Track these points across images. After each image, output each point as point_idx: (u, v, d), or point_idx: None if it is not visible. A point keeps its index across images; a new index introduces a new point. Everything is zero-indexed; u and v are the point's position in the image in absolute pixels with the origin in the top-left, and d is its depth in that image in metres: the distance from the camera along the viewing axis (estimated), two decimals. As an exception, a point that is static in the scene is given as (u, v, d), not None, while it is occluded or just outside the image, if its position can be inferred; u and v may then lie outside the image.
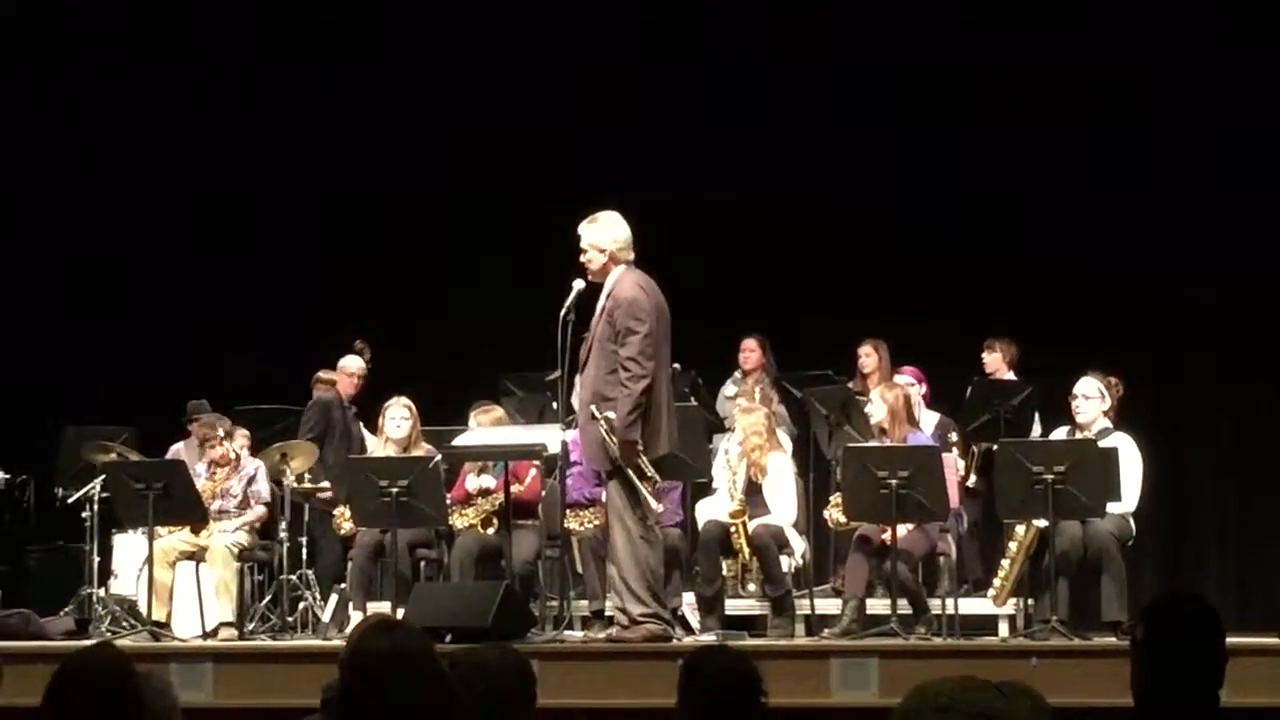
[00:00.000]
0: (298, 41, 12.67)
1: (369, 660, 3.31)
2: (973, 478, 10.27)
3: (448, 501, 9.52)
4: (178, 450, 10.82)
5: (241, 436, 10.46)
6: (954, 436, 10.31)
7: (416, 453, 9.69)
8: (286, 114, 12.59)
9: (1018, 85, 12.05)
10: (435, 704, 3.31)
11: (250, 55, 12.60)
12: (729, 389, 11.17)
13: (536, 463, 9.54)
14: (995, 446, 9.33)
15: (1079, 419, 9.34)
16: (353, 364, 11.27)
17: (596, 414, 8.12)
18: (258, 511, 10.01)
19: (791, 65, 12.34)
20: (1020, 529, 9.13)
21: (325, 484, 10.57)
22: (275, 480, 10.24)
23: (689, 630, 9.22)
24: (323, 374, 11.33)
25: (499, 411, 10.09)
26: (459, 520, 9.70)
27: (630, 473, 8.14)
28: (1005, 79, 12.09)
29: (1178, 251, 12.01)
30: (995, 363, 11.10)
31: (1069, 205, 12.05)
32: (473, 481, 9.80)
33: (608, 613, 8.92)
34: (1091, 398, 9.31)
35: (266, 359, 11.80)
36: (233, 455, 10.08)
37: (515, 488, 9.53)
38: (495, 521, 9.65)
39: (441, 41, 12.69)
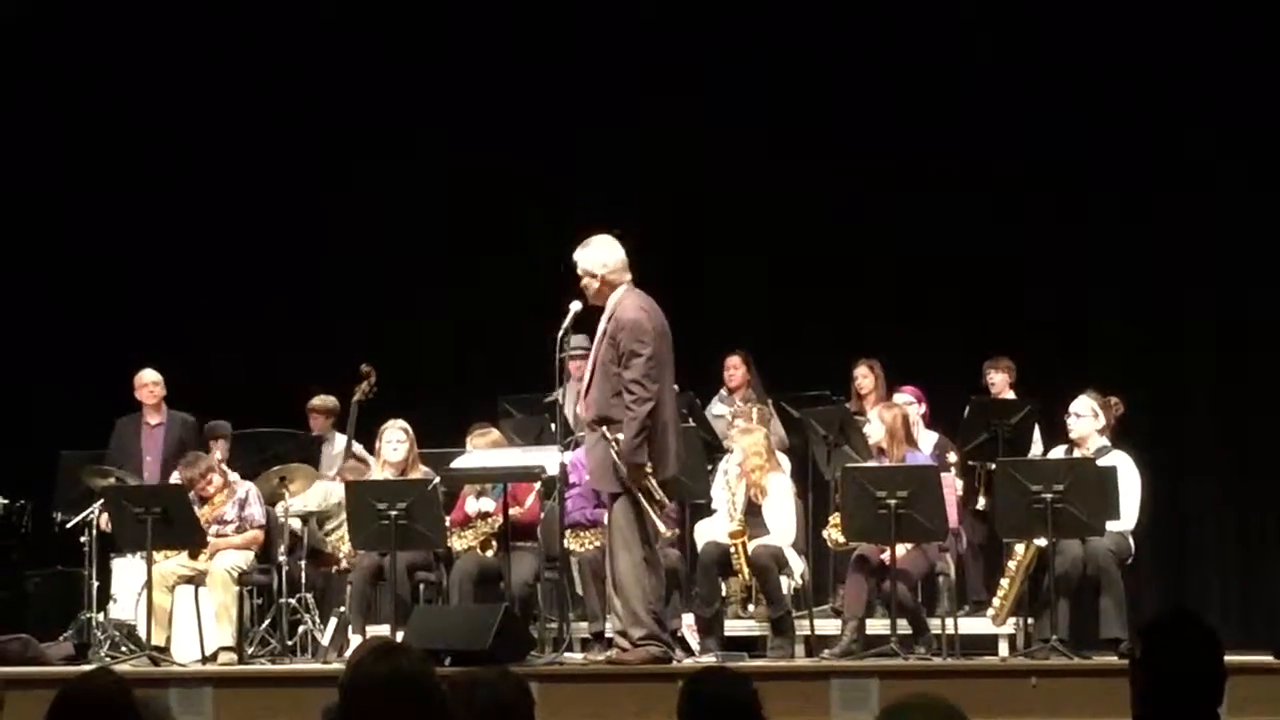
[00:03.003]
0: (298, 41, 12.66)
1: (369, 684, 3.30)
2: (981, 501, 10.28)
3: (446, 524, 9.52)
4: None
5: (218, 449, 10.49)
6: (952, 456, 10.31)
7: (414, 475, 9.68)
8: (287, 115, 12.59)
9: (1017, 86, 12.06)
10: None
11: (250, 56, 12.59)
12: (716, 407, 11.17)
13: (536, 485, 9.53)
14: (991, 465, 9.35)
15: (1071, 435, 9.37)
16: (142, 377, 11.20)
17: (608, 435, 8.12)
18: (252, 535, 9.99)
19: (789, 64, 12.37)
20: (1019, 548, 9.14)
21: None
22: (272, 504, 10.23)
23: (689, 652, 9.22)
24: (314, 402, 11.33)
25: (496, 434, 10.08)
26: (458, 543, 9.69)
27: (639, 495, 8.14)
28: (1002, 78, 12.12)
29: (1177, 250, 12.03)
30: (1001, 384, 11.09)
31: (1067, 214, 12.05)
32: (472, 504, 9.79)
33: (607, 634, 8.91)
34: (1084, 415, 9.32)
35: (266, 378, 11.78)
36: (228, 481, 10.07)
37: (515, 510, 9.52)
38: (494, 544, 9.64)
39: (442, 41, 12.70)
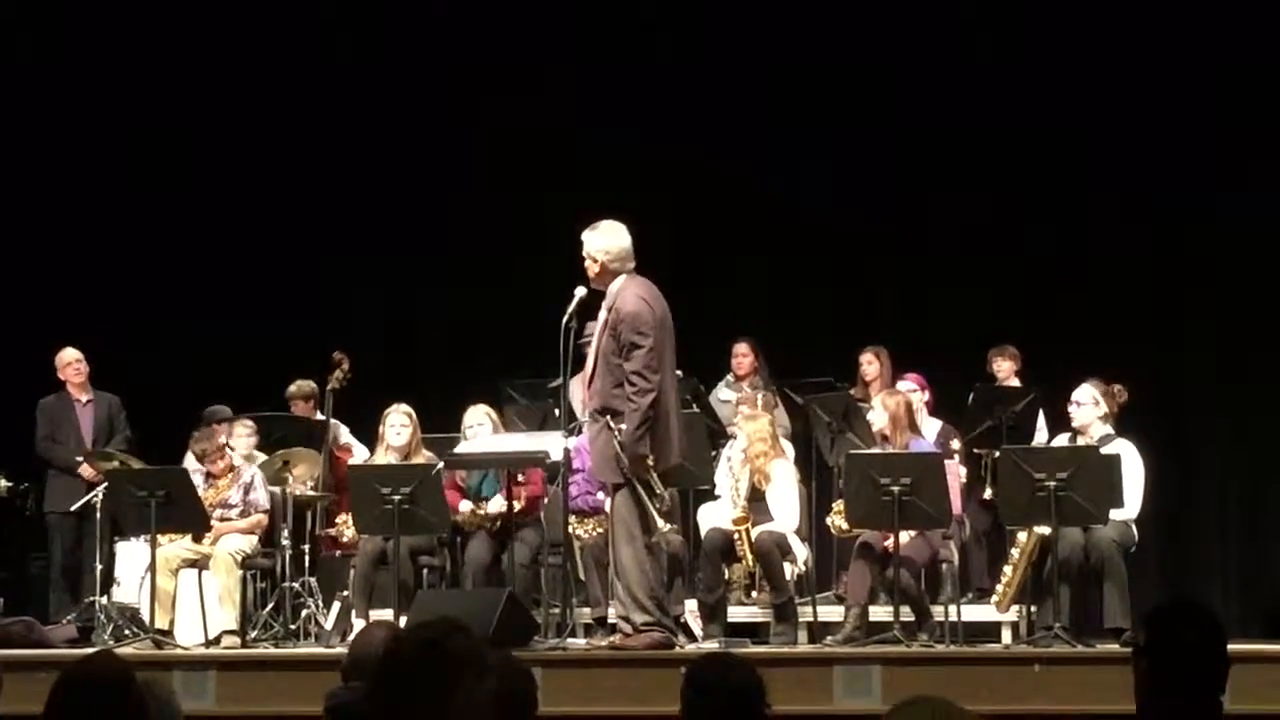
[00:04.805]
0: (298, 41, 12.66)
1: (412, 652, 3.23)
2: (988, 491, 10.29)
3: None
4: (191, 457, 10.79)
5: (244, 428, 10.47)
6: (956, 443, 10.31)
7: (417, 460, 9.69)
8: (287, 115, 12.59)
9: (1015, 85, 12.07)
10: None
11: (250, 57, 12.59)
12: (723, 392, 11.18)
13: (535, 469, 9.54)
14: (998, 453, 9.34)
15: (1073, 424, 9.37)
16: (66, 355, 11.19)
17: (611, 425, 8.11)
18: (257, 519, 10.01)
19: (793, 67, 12.37)
20: (1022, 535, 9.13)
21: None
22: (277, 487, 10.24)
23: (691, 638, 9.22)
24: (293, 389, 11.31)
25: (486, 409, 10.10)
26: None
27: (639, 487, 8.13)
28: (1003, 79, 12.12)
29: (1177, 251, 12.04)
30: (1008, 371, 11.11)
31: (1069, 206, 12.06)
32: (465, 505, 9.80)
33: (610, 620, 8.91)
34: (1084, 404, 9.32)
35: (268, 364, 11.78)
36: (234, 464, 10.08)
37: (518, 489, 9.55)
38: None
39: (442, 41, 12.70)
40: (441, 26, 12.70)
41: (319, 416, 10.94)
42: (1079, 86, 11.99)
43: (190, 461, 10.33)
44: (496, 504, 9.67)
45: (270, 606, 10.07)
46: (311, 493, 10.41)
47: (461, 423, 9.91)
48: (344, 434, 10.83)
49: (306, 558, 10.22)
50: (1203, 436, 12.07)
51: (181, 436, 10.75)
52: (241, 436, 10.47)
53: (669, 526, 8.61)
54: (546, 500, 9.71)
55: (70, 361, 11.18)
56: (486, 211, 12.31)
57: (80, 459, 10.90)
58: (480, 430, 9.78)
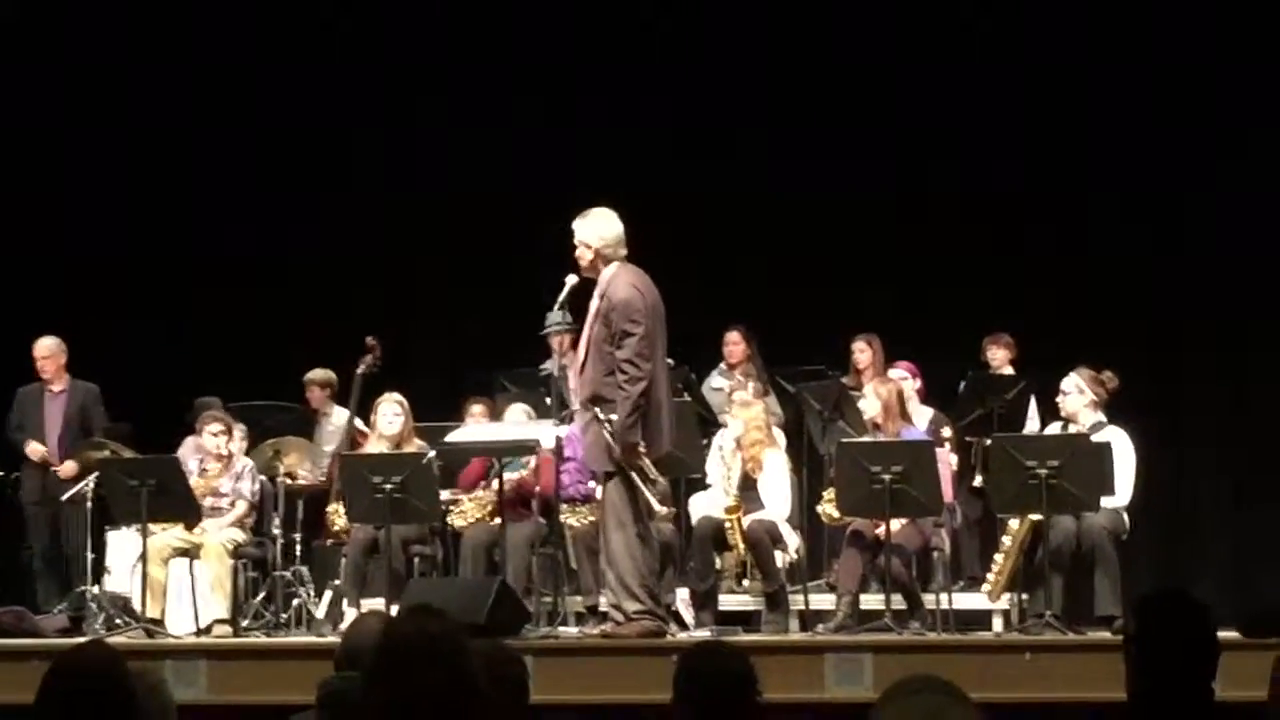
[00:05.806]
0: (297, 41, 12.64)
1: (405, 643, 3.24)
2: (978, 478, 10.29)
3: (442, 496, 9.52)
4: (187, 447, 10.78)
5: (238, 432, 10.46)
6: (947, 431, 10.31)
7: (409, 449, 9.68)
8: (286, 114, 12.58)
9: (1015, 81, 12.07)
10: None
11: (250, 56, 12.57)
12: (715, 380, 11.18)
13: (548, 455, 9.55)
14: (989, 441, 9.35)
15: (1062, 412, 9.38)
16: (39, 345, 11.16)
17: (600, 415, 8.10)
18: (238, 511, 9.99)
19: (788, 63, 12.37)
20: (1014, 523, 9.14)
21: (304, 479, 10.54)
22: (269, 476, 10.23)
23: (683, 626, 9.23)
24: (312, 375, 11.32)
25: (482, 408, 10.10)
26: (458, 520, 9.71)
27: (633, 475, 8.13)
28: (1003, 76, 12.12)
29: (1177, 250, 12.05)
30: (1002, 359, 11.12)
31: (1066, 200, 12.06)
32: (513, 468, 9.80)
33: (602, 608, 8.91)
34: (1069, 393, 9.32)
35: (266, 359, 11.78)
36: (226, 451, 10.06)
37: (519, 474, 9.53)
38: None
39: (441, 41, 12.68)
40: (441, 26, 12.68)
41: (333, 407, 10.96)
42: (1079, 86, 11.99)
43: (185, 452, 10.33)
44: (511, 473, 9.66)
45: (262, 595, 10.07)
46: (304, 480, 10.40)
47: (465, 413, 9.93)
48: (357, 422, 10.82)
49: (298, 546, 10.22)
50: (1196, 422, 12.08)
51: (179, 429, 10.75)
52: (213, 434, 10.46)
53: (667, 511, 8.61)
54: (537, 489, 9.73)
55: (42, 352, 11.15)
56: (486, 211, 12.29)
57: (41, 451, 10.87)
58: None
